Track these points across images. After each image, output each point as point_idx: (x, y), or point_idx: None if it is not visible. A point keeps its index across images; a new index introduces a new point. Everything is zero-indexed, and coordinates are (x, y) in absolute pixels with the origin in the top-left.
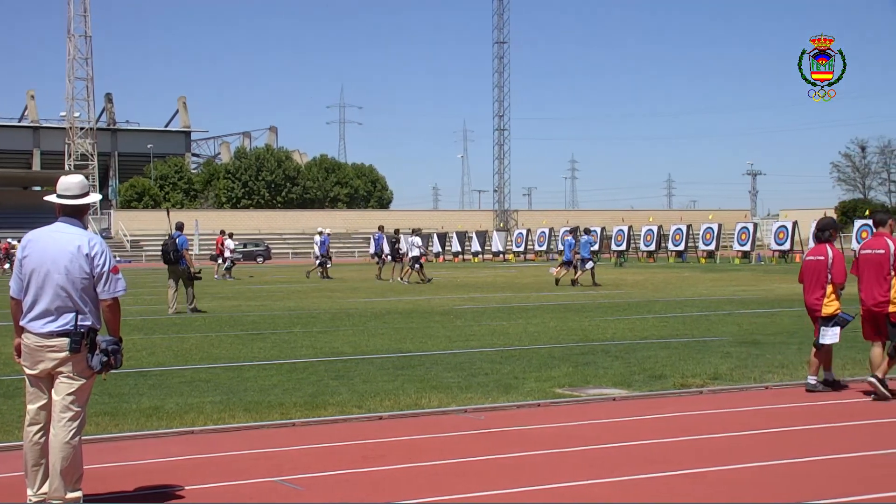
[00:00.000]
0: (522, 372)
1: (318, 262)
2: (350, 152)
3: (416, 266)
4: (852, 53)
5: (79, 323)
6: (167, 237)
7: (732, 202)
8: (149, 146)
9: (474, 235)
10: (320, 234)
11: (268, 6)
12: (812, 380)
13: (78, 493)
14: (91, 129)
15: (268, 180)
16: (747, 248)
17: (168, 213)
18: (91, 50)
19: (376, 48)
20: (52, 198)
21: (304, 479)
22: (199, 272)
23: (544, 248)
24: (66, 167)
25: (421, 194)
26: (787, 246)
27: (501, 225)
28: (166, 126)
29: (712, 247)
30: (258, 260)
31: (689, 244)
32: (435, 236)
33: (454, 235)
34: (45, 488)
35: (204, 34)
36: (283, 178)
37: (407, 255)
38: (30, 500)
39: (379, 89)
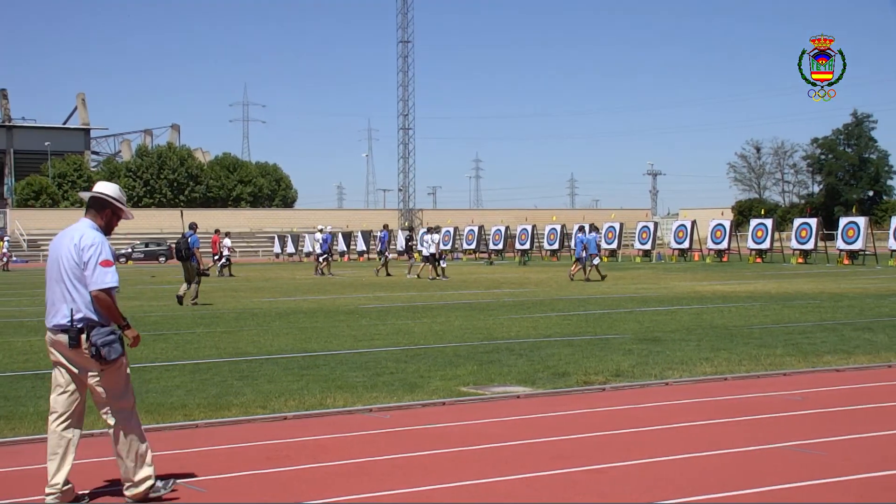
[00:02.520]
0: (427, 371)
1: (323, 259)
2: (254, 151)
3: (443, 264)
4: (749, 55)
5: (74, 317)
6: (180, 236)
7: (634, 202)
8: (46, 144)
9: (379, 234)
10: (321, 231)
11: (169, 1)
12: None
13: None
14: None
15: (170, 179)
16: (648, 246)
17: (182, 214)
18: None
19: (280, 46)
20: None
21: (208, 480)
22: (208, 269)
23: (449, 247)
24: None
25: (325, 193)
26: (686, 245)
27: (406, 224)
28: (64, 123)
29: (614, 245)
30: (160, 259)
31: None
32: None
33: (359, 234)
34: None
35: (103, 29)
36: (185, 177)
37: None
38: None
39: (283, 88)
